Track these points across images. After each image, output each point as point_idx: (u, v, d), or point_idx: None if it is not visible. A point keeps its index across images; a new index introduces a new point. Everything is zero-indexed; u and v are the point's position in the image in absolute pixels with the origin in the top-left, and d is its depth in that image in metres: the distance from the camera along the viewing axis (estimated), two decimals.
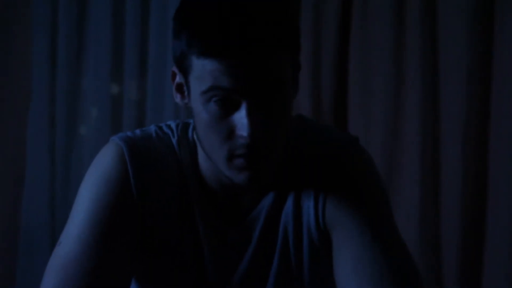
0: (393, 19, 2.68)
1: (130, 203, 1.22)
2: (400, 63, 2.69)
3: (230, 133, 1.11)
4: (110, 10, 2.79)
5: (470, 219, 2.65)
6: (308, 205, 1.23)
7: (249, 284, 1.26)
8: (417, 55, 2.67)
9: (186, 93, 1.17)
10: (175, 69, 1.18)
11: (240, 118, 1.10)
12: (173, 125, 1.30)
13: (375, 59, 2.70)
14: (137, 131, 1.29)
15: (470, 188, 2.63)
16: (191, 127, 1.27)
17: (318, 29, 2.67)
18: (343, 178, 1.23)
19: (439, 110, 2.68)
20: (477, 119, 2.66)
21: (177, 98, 1.20)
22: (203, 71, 1.09)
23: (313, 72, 2.66)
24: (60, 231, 2.75)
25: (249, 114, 1.09)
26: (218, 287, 1.27)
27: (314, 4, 2.71)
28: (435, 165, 2.64)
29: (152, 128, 1.29)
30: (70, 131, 2.82)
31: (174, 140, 1.27)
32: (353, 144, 1.28)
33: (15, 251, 2.80)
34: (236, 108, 1.11)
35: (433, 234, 2.67)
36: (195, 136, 1.24)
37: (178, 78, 1.18)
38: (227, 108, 1.10)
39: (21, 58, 2.84)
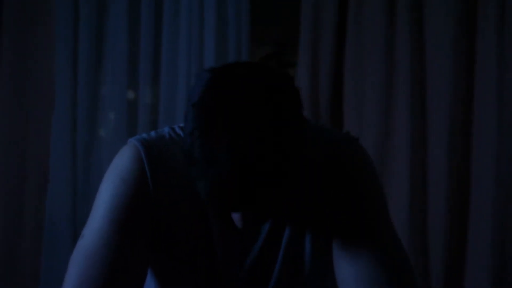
0: (384, 31, 2.74)
1: (146, 199, 1.22)
2: (391, 70, 2.75)
3: None
4: (126, 23, 2.81)
5: (455, 210, 2.72)
6: (311, 202, 1.25)
7: (256, 274, 1.28)
8: (407, 63, 2.73)
9: None
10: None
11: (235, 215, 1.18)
12: None
13: (367, 66, 2.76)
14: (152, 133, 1.30)
15: (454, 183, 2.69)
16: None
17: (316, 40, 2.71)
18: (342, 176, 1.24)
19: (426, 113, 2.74)
20: (461, 120, 2.73)
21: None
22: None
23: (311, 77, 2.70)
24: (81, 225, 2.65)
25: (243, 218, 1.18)
26: (228, 277, 1.28)
27: (313, 17, 2.74)
28: (422, 162, 2.71)
29: (165, 130, 1.30)
30: (90, 133, 2.84)
31: None
32: (353, 144, 1.28)
33: (40, 243, 2.81)
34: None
35: (421, 223, 2.71)
36: None
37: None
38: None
39: (45, 68, 2.84)
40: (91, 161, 2.84)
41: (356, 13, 2.72)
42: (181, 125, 1.29)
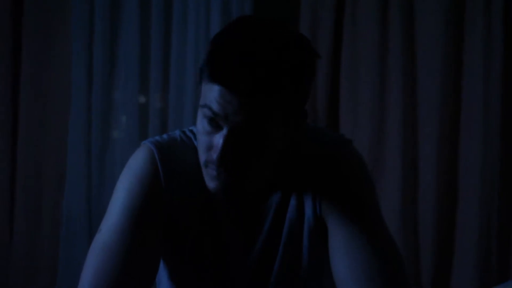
0: (377, 39, 2.73)
1: (159, 196, 1.24)
2: (384, 75, 2.74)
3: (210, 147, 1.16)
4: (138, 33, 2.83)
5: (443, 208, 2.71)
6: (308, 199, 1.26)
7: (259, 265, 1.29)
8: (399, 68, 2.72)
9: None
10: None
11: (218, 139, 1.13)
12: (195, 130, 1.30)
13: (362, 72, 2.75)
14: (165, 136, 1.31)
15: (443, 182, 2.71)
16: None
17: (313, 43, 2.78)
18: (337, 175, 1.25)
19: (417, 116, 2.73)
20: (450, 123, 2.71)
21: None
22: (205, 91, 1.14)
23: None
24: (96, 221, 2.79)
25: (225, 140, 1.12)
26: (234, 267, 1.30)
27: (309, 26, 2.76)
28: (414, 162, 2.73)
29: (177, 133, 1.32)
30: (104, 135, 2.85)
31: (196, 143, 1.27)
32: (347, 145, 1.29)
33: (58, 238, 2.83)
34: (220, 130, 1.13)
35: (412, 221, 2.73)
36: None
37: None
38: (213, 127, 1.14)
39: (63, 75, 2.86)
40: (105, 161, 2.85)
41: (351, 21, 2.74)
42: (191, 128, 1.32)
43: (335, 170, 1.25)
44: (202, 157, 1.18)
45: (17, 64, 2.87)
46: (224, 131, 1.12)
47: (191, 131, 1.31)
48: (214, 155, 1.13)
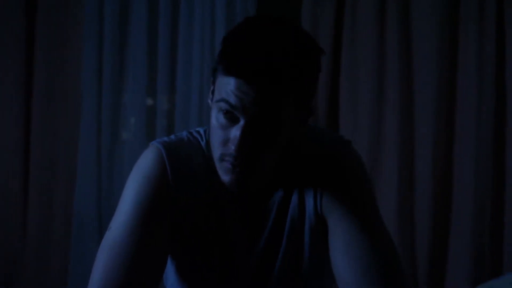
0: (375, 45, 2.76)
1: (167, 194, 1.25)
2: (382, 79, 2.77)
3: (225, 140, 1.16)
4: (146, 37, 2.86)
5: (439, 206, 2.74)
6: (309, 197, 1.27)
7: (263, 261, 1.31)
8: (395, 72, 2.75)
9: (212, 97, 1.21)
10: (212, 78, 1.22)
11: (235, 132, 1.14)
12: (201, 131, 1.33)
13: (361, 76, 2.78)
14: (172, 136, 1.32)
15: (438, 181, 2.74)
16: None
17: None
18: (337, 174, 1.26)
19: (413, 118, 2.76)
20: (444, 126, 2.74)
21: (209, 99, 1.24)
22: (220, 86, 1.15)
23: None
24: (105, 219, 2.83)
25: (243, 131, 1.13)
26: (238, 263, 1.31)
27: (310, 27, 2.77)
28: (410, 163, 2.76)
29: (184, 134, 1.33)
30: (113, 136, 2.88)
31: (203, 143, 1.30)
32: (346, 146, 1.30)
33: (69, 235, 2.87)
34: (236, 123, 1.15)
35: (409, 218, 2.75)
36: None
37: (212, 86, 1.22)
38: (229, 120, 1.15)
39: (74, 79, 2.90)
40: (114, 161, 2.88)
41: (351, 28, 2.77)
42: (198, 129, 1.34)
43: (335, 169, 1.26)
44: (217, 151, 1.18)
45: (31, 69, 2.91)
46: (241, 123, 1.13)
47: (198, 132, 1.33)
48: (232, 146, 1.14)
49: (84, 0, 2.87)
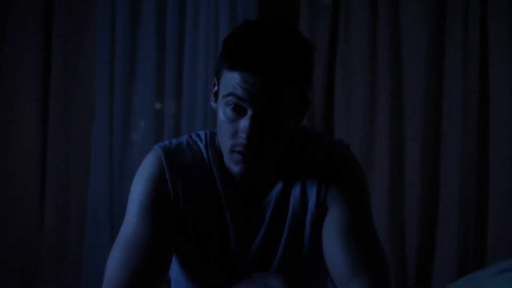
0: (367, 53, 2.79)
1: (167, 195, 1.31)
2: (374, 85, 2.81)
3: (235, 132, 1.21)
4: (155, 46, 2.91)
5: (427, 203, 2.79)
6: (312, 190, 1.32)
7: (263, 254, 1.35)
8: (386, 79, 2.78)
9: (215, 99, 1.28)
10: (215, 79, 1.27)
11: (243, 122, 1.19)
12: (202, 134, 1.38)
13: (354, 82, 2.81)
14: (173, 141, 1.38)
15: (426, 180, 2.78)
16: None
17: None
18: (341, 170, 1.32)
19: (403, 121, 2.80)
20: (433, 127, 2.78)
21: (212, 101, 1.30)
22: (226, 82, 1.19)
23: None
24: (117, 216, 2.89)
25: (251, 120, 1.18)
26: (239, 255, 1.35)
27: (307, 32, 2.79)
28: (400, 163, 2.80)
29: (184, 138, 1.38)
30: (124, 138, 2.92)
31: (202, 145, 1.35)
32: (345, 148, 1.37)
33: (83, 232, 2.90)
34: (244, 115, 1.20)
35: (399, 215, 2.79)
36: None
37: (215, 88, 1.27)
38: (237, 113, 1.20)
39: (88, 84, 2.94)
40: (125, 161, 2.92)
41: (344, 37, 2.81)
42: (198, 132, 1.39)
43: (338, 166, 1.32)
44: (227, 144, 1.23)
45: (48, 75, 2.93)
46: (249, 113, 1.18)
47: (198, 135, 1.38)
48: (243, 135, 1.18)
49: (97, 11, 2.91)
